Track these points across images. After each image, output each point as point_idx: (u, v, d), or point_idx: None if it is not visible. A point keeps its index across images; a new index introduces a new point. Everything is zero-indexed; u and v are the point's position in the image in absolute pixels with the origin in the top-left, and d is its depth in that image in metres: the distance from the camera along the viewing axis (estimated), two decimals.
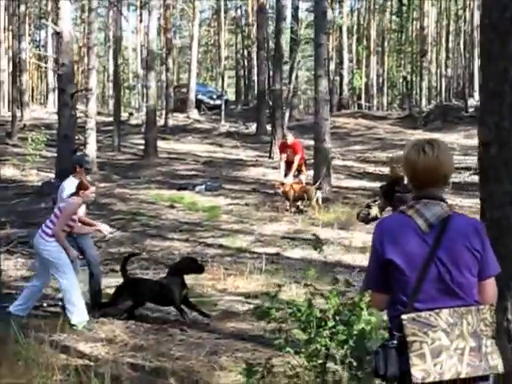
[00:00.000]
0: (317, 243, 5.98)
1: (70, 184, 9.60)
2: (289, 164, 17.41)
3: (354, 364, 5.39)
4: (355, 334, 5.47)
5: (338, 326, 5.52)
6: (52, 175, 22.43)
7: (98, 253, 10.20)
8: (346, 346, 5.43)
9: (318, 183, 17.51)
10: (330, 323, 5.56)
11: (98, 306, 9.42)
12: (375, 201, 8.45)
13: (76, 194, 9.08)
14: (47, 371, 6.23)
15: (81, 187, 9.11)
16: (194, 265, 9.43)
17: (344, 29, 43.28)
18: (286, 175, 17.26)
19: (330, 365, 5.59)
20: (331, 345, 5.45)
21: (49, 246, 8.88)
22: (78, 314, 8.71)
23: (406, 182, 7.89)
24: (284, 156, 17.60)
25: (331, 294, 5.59)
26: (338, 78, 43.48)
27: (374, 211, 8.38)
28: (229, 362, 7.25)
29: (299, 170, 17.51)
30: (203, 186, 20.52)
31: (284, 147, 17.78)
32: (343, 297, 5.78)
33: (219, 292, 10.48)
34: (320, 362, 5.56)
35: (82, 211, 9.66)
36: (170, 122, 34.77)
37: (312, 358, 5.56)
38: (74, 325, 8.55)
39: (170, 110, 35.42)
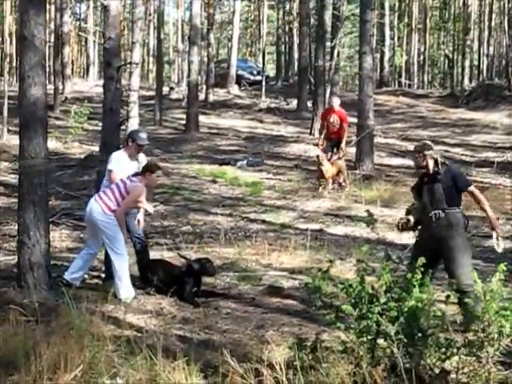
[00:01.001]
0: (369, 219, 5.95)
1: (116, 156, 9.56)
2: (329, 135, 17.11)
3: (405, 341, 5.39)
4: (406, 310, 5.46)
5: (390, 303, 5.51)
6: (94, 148, 22.57)
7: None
8: (397, 323, 5.42)
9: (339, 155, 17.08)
10: (382, 299, 5.55)
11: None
12: (413, 204, 8.24)
13: (142, 175, 9.08)
14: (98, 341, 6.31)
15: (147, 169, 9.09)
16: (208, 268, 9.25)
17: (386, 5, 42.84)
18: (327, 150, 16.95)
19: (381, 341, 5.58)
20: (382, 321, 5.44)
21: (107, 219, 8.95)
22: (126, 288, 8.83)
23: (431, 171, 7.81)
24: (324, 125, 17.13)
25: (384, 270, 5.57)
26: (378, 56, 43.10)
27: (414, 217, 8.14)
28: (276, 337, 7.28)
29: (338, 145, 17.20)
30: (245, 162, 20.52)
31: (328, 114, 17.27)
32: (394, 273, 5.77)
33: (263, 267, 10.50)
34: (370, 338, 5.56)
35: None
36: (211, 97, 34.75)
37: (362, 334, 5.56)
38: (122, 300, 8.66)
39: (211, 85, 35.38)
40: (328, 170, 16.14)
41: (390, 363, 5.36)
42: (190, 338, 7.24)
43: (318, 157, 16.30)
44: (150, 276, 9.24)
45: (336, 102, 17.15)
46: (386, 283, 5.58)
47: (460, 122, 27.56)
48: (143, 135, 9.77)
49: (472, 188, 7.76)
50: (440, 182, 7.67)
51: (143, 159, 9.78)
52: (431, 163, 7.79)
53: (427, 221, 7.77)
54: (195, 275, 9.02)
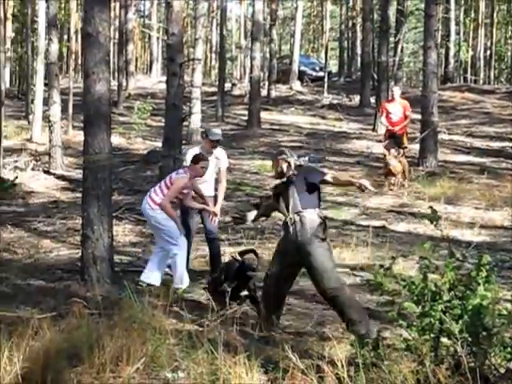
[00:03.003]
0: (433, 216, 5.85)
1: (190, 153, 9.66)
2: (391, 127, 16.78)
3: (470, 339, 5.31)
4: (470, 309, 5.38)
5: (453, 301, 5.44)
6: (157, 144, 22.79)
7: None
8: (460, 321, 5.34)
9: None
10: (445, 297, 5.47)
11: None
12: (267, 198, 8.00)
13: (188, 167, 9.19)
14: (160, 335, 6.35)
15: (192, 160, 9.15)
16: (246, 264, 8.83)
17: (452, 0, 42.30)
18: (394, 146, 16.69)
19: (444, 340, 5.51)
20: (445, 319, 5.36)
21: (154, 213, 9.05)
22: (180, 278, 8.93)
23: (286, 176, 7.41)
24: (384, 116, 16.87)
25: (448, 267, 5.49)
26: (443, 51, 42.55)
27: (257, 214, 7.95)
28: (337, 333, 7.24)
29: (400, 142, 16.96)
30: (306, 158, 20.21)
31: (388, 104, 17.04)
32: (458, 271, 5.68)
33: None
34: (433, 336, 5.49)
35: (205, 185, 9.66)
36: (273, 93, 34.76)
37: (425, 332, 5.49)
38: (176, 288, 8.71)
39: (273, 81, 35.39)
40: (396, 166, 15.98)
41: (453, 362, 5.28)
42: (250, 333, 7.25)
43: (385, 156, 16.16)
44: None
45: (397, 91, 16.97)
46: (450, 280, 5.50)
47: None
48: (215, 131, 9.95)
49: (327, 177, 7.31)
50: (293, 184, 7.28)
51: (221, 154, 9.81)
52: (285, 167, 7.43)
53: (285, 227, 7.31)
54: (236, 272, 8.59)
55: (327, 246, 7.18)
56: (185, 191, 9.15)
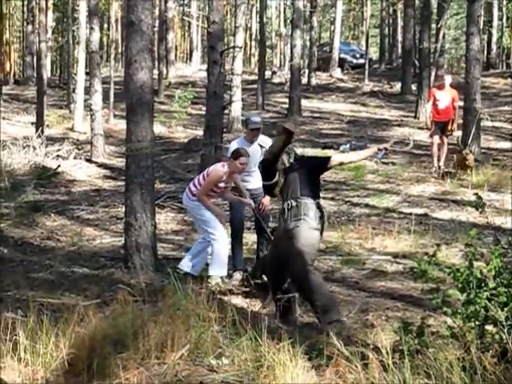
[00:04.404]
0: (478, 202, 5.80)
1: (233, 145, 9.52)
2: (437, 116, 16.44)
3: None
4: None
5: (499, 288, 5.38)
6: (198, 132, 22.90)
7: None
8: (506, 309, 5.29)
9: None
10: (491, 284, 5.43)
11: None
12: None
13: (229, 160, 9.02)
14: (204, 322, 6.38)
15: (234, 156, 8.94)
16: None
17: None
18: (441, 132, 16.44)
19: (489, 327, 5.46)
20: (491, 307, 5.32)
21: (191, 203, 9.02)
22: (218, 267, 8.78)
23: (287, 164, 7.46)
24: (430, 104, 16.58)
25: (493, 254, 5.44)
26: (485, 37, 42.06)
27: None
28: (380, 321, 7.23)
29: (445, 129, 16.72)
30: (348, 146, 20.40)
31: (437, 91, 16.74)
32: (504, 258, 5.62)
33: (367, 251, 10.44)
34: (478, 323, 5.45)
35: (253, 175, 9.48)
36: (313, 81, 34.67)
37: (470, 320, 5.44)
38: (208, 276, 8.67)
39: (314, 69, 35.28)
40: (471, 158, 15.82)
41: (499, 349, 5.23)
42: (293, 320, 7.25)
43: (466, 156, 15.94)
44: None
45: (448, 79, 16.75)
46: (496, 268, 5.44)
47: None
48: (254, 119, 9.61)
49: (333, 158, 7.57)
50: (295, 172, 7.32)
51: (266, 142, 9.46)
52: (285, 158, 7.41)
53: (282, 213, 7.31)
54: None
55: (317, 236, 7.12)
56: (221, 185, 8.95)
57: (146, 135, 9.42)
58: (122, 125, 22.52)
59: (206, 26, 15.80)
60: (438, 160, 16.41)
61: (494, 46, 41.70)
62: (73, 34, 34.53)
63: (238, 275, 9.10)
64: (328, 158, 7.57)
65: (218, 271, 8.80)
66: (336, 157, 7.83)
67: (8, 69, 47.00)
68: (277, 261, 7.25)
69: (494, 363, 5.03)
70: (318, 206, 7.15)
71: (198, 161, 16.75)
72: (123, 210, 10.09)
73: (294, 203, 7.09)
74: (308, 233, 7.02)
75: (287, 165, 7.39)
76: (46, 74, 28.90)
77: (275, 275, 7.40)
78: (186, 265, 9.04)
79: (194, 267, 9.03)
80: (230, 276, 9.06)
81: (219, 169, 8.93)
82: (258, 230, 9.61)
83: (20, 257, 10.64)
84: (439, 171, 16.08)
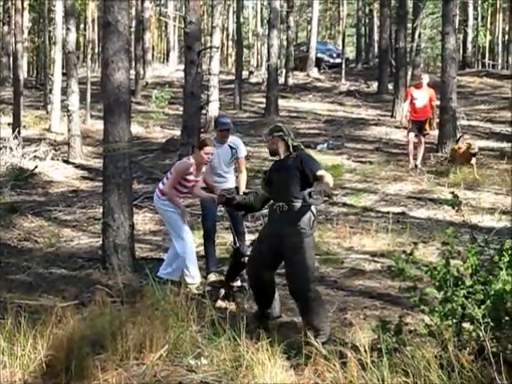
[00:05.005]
0: (455, 200, 5.85)
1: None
2: (414, 115, 16.50)
3: (492, 324, 5.30)
4: (493, 294, 5.36)
5: (476, 286, 5.42)
6: (175, 132, 22.89)
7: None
8: (483, 306, 5.33)
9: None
10: (468, 282, 5.47)
11: None
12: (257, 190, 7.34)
13: (195, 153, 8.83)
14: (183, 322, 6.38)
15: (199, 146, 8.77)
16: None
17: None
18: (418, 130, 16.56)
19: (466, 325, 5.50)
20: (468, 304, 5.36)
21: (160, 203, 8.81)
22: (190, 274, 8.60)
23: (282, 156, 7.00)
24: (407, 103, 16.68)
25: (470, 252, 5.48)
26: (461, 36, 42.31)
27: (246, 200, 7.36)
28: (358, 319, 7.26)
29: (422, 128, 16.80)
30: (325, 145, 20.46)
31: (414, 90, 16.84)
32: (480, 256, 5.67)
33: (345, 250, 10.46)
34: (456, 321, 5.49)
35: (226, 176, 9.42)
36: (291, 81, 34.73)
37: (447, 317, 5.48)
38: (189, 284, 8.48)
39: (290, 69, 35.33)
40: (476, 145, 16.06)
41: (477, 347, 5.28)
42: (272, 319, 7.27)
43: (470, 144, 16.02)
44: None
45: (426, 78, 16.84)
46: (472, 266, 5.48)
47: None
48: (222, 120, 9.49)
49: (321, 172, 6.62)
50: (288, 168, 6.74)
51: (238, 143, 9.45)
52: (282, 147, 6.95)
53: (271, 214, 6.89)
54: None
55: (313, 242, 6.73)
56: (190, 177, 8.72)
57: (124, 135, 9.41)
58: (99, 125, 22.49)
59: (182, 26, 15.80)
60: (415, 159, 16.56)
61: (469, 45, 41.96)
62: (49, 34, 34.38)
63: (213, 277, 8.99)
64: (319, 167, 6.77)
65: (191, 278, 8.59)
66: (325, 178, 6.68)
67: None
68: (260, 260, 6.89)
69: (471, 361, 5.08)
70: (310, 209, 6.62)
71: (175, 160, 16.71)
72: (101, 210, 10.06)
73: (287, 206, 6.64)
74: (306, 244, 6.58)
75: (283, 154, 6.92)
76: (23, 74, 28.79)
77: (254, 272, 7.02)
78: (164, 273, 8.77)
79: (173, 273, 8.74)
80: (204, 278, 8.96)
81: (185, 161, 8.78)
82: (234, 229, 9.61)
83: None
84: (416, 170, 16.20)
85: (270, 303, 7.14)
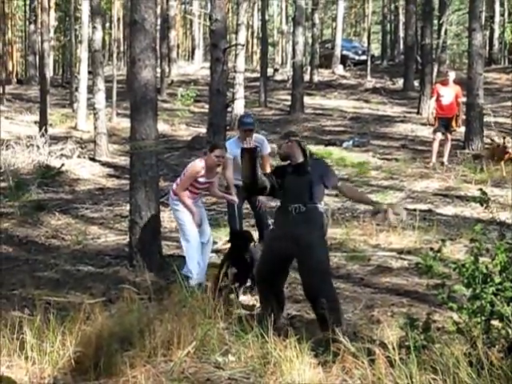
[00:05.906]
0: (483, 197, 5.81)
1: (228, 143, 9.44)
2: (440, 112, 16.37)
3: None
4: None
5: (505, 283, 5.39)
6: (201, 130, 22.92)
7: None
8: None
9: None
10: (497, 279, 5.43)
11: None
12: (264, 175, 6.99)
13: (206, 155, 8.70)
14: (210, 319, 6.40)
15: (210, 149, 8.67)
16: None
17: None
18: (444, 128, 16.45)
19: (495, 322, 5.47)
20: (497, 302, 5.32)
21: (172, 203, 8.81)
22: (192, 274, 8.45)
23: (298, 161, 6.78)
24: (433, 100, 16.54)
25: (499, 249, 5.44)
26: (487, 33, 42.00)
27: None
28: (386, 317, 7.24)
29: (449, 125, 16.73)
30: (351, 142, 20.41)
31: (441, 87, 16.64)
32: (509, 253, 5.63)
33: (372, 247, 10.43)
34: (484, 318, 5.45)
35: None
36: (316, 78, 34.66)
37: (476, 315, 5.45)
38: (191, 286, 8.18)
39: (316, 66, 35.28)
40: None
41: (506, 344, 5.24)
42: (300, 316, 7.27)
43: (504, 138, 15.91)
44: None
45: (452, 75, 16.71)
46: (501, 263, 5.45)
47: None
48: (245, 119, 9.53)
49: (340, 184, 6.92)
50: (310, 173, 6.66)
51: (260, 140, 9.38)
52: (298, 152, 6.81)
53: (283, 215, 6.73)
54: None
55: (326, 243, 6.78)
56: (202, 180, 8.62)
57: (150, 133, 9.44)
58: (124, 123, 22.60)
59: (208, 23, 15.81)
60: (441, 156, 16.47)
61: (495, 42, 41.64)
62: (75, 33, 34.58)
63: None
64: (338, 180, 6.98)
65: (193, 279, 8.35)
66: (342, 187, 7.08)
67: (10, 68, 47.02)
68: (271, 263, 6.78)
69: (500, 358, 5.04)
70: (325, 212, 6.70)
71: None
72: (127, 208, 10.12)
73: (304, 208, 6.57)
74: (322, 246, 6.60)
75: (298, 160, 6.80)
76: (49, 73, 28.95)
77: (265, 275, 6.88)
78: (189, 270, 8.57)
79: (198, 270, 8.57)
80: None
81: (196, 163, 8.64)
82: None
83: (25, 256, 10.67)
84: (443, 167, 16.12)
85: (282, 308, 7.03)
